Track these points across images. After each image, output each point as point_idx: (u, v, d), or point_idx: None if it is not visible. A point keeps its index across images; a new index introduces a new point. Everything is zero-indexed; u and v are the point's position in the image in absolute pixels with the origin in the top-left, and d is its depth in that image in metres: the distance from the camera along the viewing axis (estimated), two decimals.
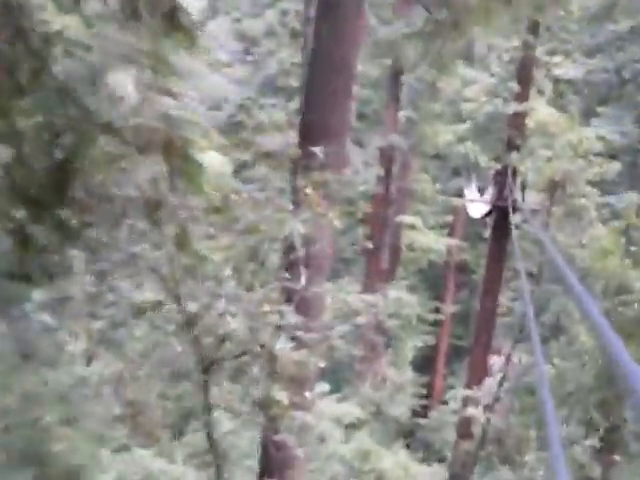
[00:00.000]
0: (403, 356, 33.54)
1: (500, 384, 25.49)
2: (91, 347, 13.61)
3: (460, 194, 38.38)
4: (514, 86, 26.79)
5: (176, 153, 7.57)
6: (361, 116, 33.53)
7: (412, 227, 36.15)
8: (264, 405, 9.79)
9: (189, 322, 9.70)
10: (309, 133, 11.59)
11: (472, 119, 30.98)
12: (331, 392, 18.73)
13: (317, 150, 10.45)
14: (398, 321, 31.29)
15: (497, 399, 25.28)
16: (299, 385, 10.07)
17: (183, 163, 7.63)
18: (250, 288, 9.98)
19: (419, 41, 14.31)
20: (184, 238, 8.81)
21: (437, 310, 38.34)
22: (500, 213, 29.22)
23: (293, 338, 9.74)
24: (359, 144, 32.73)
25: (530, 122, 26.75)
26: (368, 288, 28.44)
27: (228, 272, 10.03)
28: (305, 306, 10.29)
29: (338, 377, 26.94)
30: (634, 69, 33.98)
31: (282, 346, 9.62)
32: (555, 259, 5.30)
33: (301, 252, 9.72)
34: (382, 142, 29.75)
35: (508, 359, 25.74)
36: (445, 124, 34.07)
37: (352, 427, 20.82)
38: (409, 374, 32.74)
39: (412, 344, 34.26)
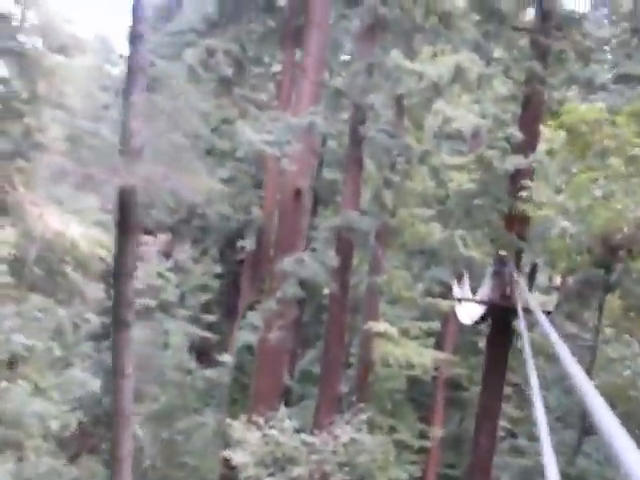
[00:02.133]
0: None
1: None
2: None
3: (446, 292, 30.59)
4: (516, 134, 19.11)
5: None
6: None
7: (385, 336, 28.23)
8: None
9: None
10: None
11: (460, 199, 23.17)
12: None
13: None
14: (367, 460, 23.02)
15: None
16: None
17: None
18: None
19: None
20: None
21: (423, 435, 32.51)
22: (499, 316, 22.49)
23: None
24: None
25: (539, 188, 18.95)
26: (317, 423, 20.48)
27: None
28: None
29: None
30: None
31: None
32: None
33: None
34: (336, 222, 22.02)
35: None
36: (424, 202, 26.34)
37: None
38: None
39: None
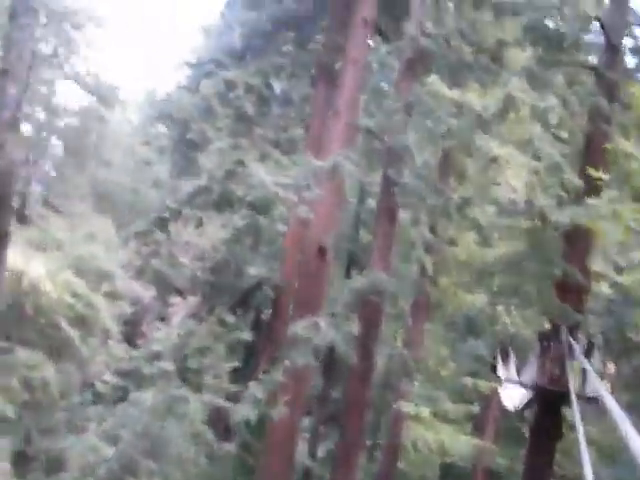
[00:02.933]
0: None
1: None
2: None
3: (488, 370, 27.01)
4: (574, 181, 15.91)
5: None
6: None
7: (416, 418, 24.95)
8: None
9: None
10: None
11: (505, 260, 19.86)
12: None
13: None
14: None
15: None
16: None
17: None
18: None
19: None
20: None
21: None
22: (547, 401, 19.15)
23: None
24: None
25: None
26: None
27: None
28: None
29: None
30: None
31: None
32: None
33: None
34: (362, 283, 19.00)
35: None
36: (468, 269, 23.11)
37: None
38: None
39: None
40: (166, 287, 31.82)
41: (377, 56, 22.95)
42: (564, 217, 15.43)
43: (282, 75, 23.96)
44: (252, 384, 18.24)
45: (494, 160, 15.53)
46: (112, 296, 34.75)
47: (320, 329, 18.44)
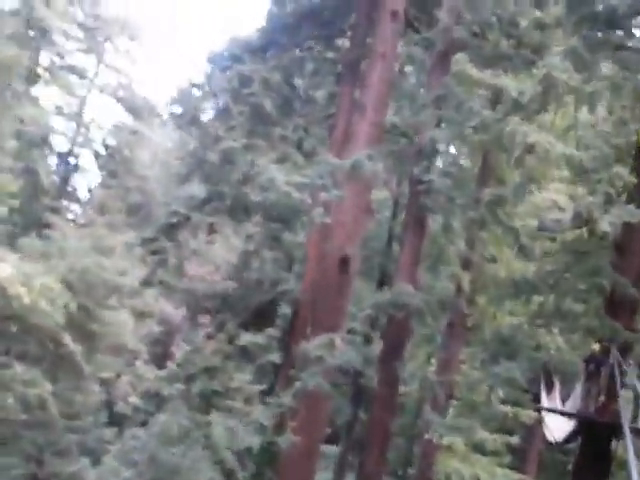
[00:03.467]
0: None
1: None
2: None
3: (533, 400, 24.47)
4: (624, 176, 13.60)
5: None
6: None
7: (450, 449, 22.80)
8: None
9: None
10: None
11: (546, 272, 17.52)
12: None
13: None
14: None
15: None
16: None
17: None
18: None
19: None
20: None
21: None
22: (593, 434, 16.90)
23: None
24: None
25: None
26: None
27: None
28: None
29: None
30: None
31: None
32: None
33: None
34: (385, 297, 16.94)
35: None
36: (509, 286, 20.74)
37: None
38: None
39: None
40: (195, 305, 29.98)
41: (407, 50, 20.81)
42: (614, 218, 13.17)
43: (305, 72, 22.06)
44: (257, 409, 16.18)
45: (531, 150, 13.35)
46: (138, 314, 33.04)
47: (335, 348, 16.37)
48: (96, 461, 27.25)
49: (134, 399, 33.45)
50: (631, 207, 13.22)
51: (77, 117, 48.49)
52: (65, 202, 46.25)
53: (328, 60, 22.51)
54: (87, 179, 52.67)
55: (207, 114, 23.94)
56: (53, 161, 46.69)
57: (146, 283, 22.32)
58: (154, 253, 21.01)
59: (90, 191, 51.04)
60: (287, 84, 21.82)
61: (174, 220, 20.71)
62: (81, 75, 45.57)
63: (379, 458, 18.54)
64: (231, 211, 20.65)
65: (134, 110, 47.88)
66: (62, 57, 45.39)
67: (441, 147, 16.36)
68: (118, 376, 35.46)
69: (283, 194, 17.37)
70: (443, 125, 17.53)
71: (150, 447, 23.36)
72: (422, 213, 17.95)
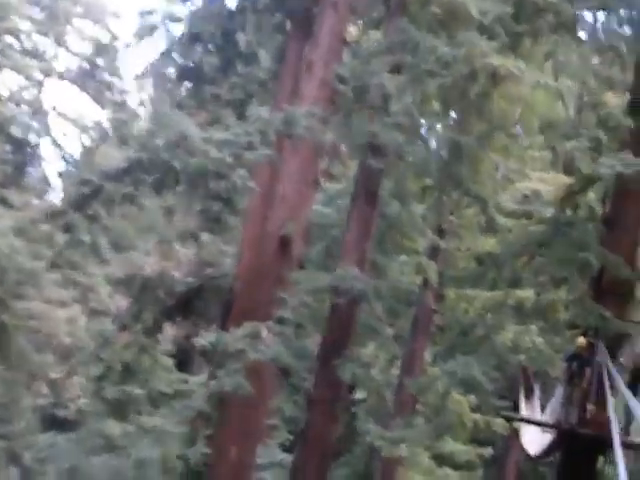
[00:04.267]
0: None
1: None
2: None
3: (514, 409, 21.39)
4: (618, 117, 10.56)
5: None
6: None
7: (411, 463, 20.00)
8: None
9: None
10: None
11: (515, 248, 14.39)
12: None
13: None
14: None
15: None
16: None
17: None
18: None
19: None
20: None
21: None
22: (576, 447, 13.65)
23: None
24: None
25: None
26: None
27: None
28: None
29: None
30: None
31: None
32: None
33: None
34: (323, 281, 13.94)
35: None
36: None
37: None
38: None
39: None
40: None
41: None
42: (604, 168, 10.13)
43: (247, 27, 19.10)
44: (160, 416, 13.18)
45: (497, 79, 10.38)
46: (91, 311, 30.36)
47: (260, 340, 13.34)
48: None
49: (78, 402, 31.06)
50: (626, 156, 10.19)
51: (35, 103, 46.07)
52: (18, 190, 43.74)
53: (273, 13, 19.55)
54: (46, 167, 50.20)
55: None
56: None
57: (54, 265, 19.22)
58: (65, 230, 17.91)
59: (46, 179, 48.62)
60: (227, 41, 18.88)
61: (86, 190, 17.59)
62: (39, 59, 43.26)
63: (319, 475, 15.51)
64: (155, 182, 17.57)
65: (96, 97, 45.58)
66: (18, 39, 43.04)
67: (396, 99, 13.27)
68: (68, 377, 32.91)
69: (201, 154, 14.31)
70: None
71: (68, 455, 20.45)
72: (373, 180, 14.97)
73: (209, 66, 18.66)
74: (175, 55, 20.39)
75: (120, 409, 18.27)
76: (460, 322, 14.57)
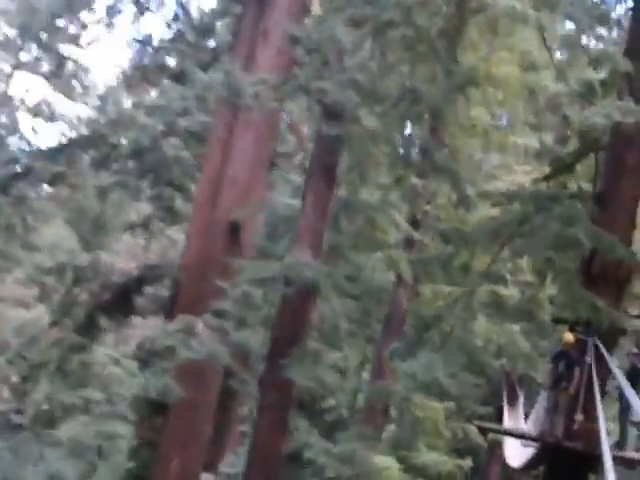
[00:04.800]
0: None
1: None
2: None
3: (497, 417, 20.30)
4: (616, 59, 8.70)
5: None
6: None
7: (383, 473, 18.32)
8: None
9: None
10: None
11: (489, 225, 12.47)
12: None
13: None
14: None
15: None
16: None
17: None
18: None
19: None
20: None
21: None
22: (561, 462, 11.40)
23: None
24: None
25: None
26: None
27: None
28: None
29: None
30: None
31: None
32: None
33: None
34: (271, 269, 12.06)
35: None
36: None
37: None
38: None
39: None
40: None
41: None
42: (598, 117, 8.27)
43: None
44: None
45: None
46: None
47: (193, 337, 11.41)
48: None
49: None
50: (625, 104, 8.31)
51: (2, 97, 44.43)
52: None
53: None
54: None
55: None
56: None
57: None
58: None
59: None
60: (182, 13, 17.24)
61: (12, 170, 15.74)
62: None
63: None
64: (92, 160, 15.72)
65: (66, 91, 43.94)
66: None
67: (351, 54, 11.40)
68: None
69: (128, 119, 12.47)
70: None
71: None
72: (330, 153, 13.09)
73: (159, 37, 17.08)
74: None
75: (46, 416, 16.44)
76: (422, 315, 12.58)
